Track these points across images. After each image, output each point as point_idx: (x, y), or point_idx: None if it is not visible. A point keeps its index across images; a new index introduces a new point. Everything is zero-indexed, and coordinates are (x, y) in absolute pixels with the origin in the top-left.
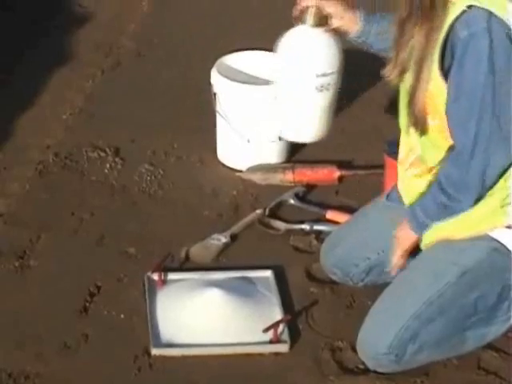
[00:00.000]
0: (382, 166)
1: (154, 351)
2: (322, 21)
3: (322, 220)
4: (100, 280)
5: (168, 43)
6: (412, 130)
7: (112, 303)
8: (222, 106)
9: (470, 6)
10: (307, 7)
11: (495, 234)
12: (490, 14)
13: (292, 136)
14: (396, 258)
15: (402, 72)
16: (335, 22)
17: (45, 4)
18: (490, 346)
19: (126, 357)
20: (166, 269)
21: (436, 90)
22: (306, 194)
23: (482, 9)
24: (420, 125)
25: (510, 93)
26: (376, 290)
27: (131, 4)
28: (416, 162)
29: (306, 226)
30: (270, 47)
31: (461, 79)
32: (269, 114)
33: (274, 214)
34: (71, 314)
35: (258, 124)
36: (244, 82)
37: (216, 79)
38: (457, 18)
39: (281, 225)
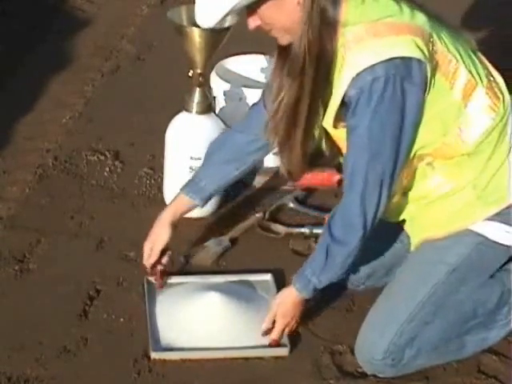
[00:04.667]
0: None
1: (154, 355)
2: None
3: (321, 224)
4: (100, 284)
5: (168, 47)
6: None
7: (111, 307)
8: (221, 109)
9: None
10: None
11: (478, 228)
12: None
13: None
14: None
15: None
16: None
17: (45, 8)
18: (489, 350)
19: (126, 360)
20: (165, 272)
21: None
22: (306, 197)
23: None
24: None
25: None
26: (376, 293)
27: (131, 8)
28: None
29: (305, 230)
30: (269, 51)
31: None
32: None
33: (274, 217)
34: (71, 317)
35: None
36: (243, 85)
37: (215, 83)
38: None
39: (280, 228)
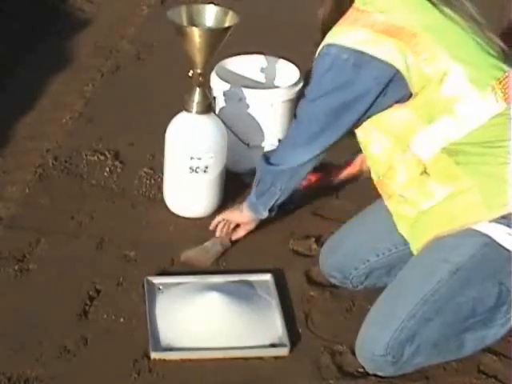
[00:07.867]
0: None
1: (154, 355)
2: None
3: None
4: (99, 284)
5: (168, 47)
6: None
7: (111, 307)
8: (221, 109)
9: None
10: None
11: (484, 229)
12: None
13: (178, 211)
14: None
15: None
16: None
17: (45, 8)
18: (489, 350)
19: (126, 361)
20: (165, 273)
21: None
22: (306, 197)
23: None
24: None
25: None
26: (376, 293)
27: (131, 8)
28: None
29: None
30: (269, 51)
31: None
32: (269, 117)
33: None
34: (71, 317)
35: (258, 128)
36: (244, 86)
37: (215, 83)
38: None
39: None
